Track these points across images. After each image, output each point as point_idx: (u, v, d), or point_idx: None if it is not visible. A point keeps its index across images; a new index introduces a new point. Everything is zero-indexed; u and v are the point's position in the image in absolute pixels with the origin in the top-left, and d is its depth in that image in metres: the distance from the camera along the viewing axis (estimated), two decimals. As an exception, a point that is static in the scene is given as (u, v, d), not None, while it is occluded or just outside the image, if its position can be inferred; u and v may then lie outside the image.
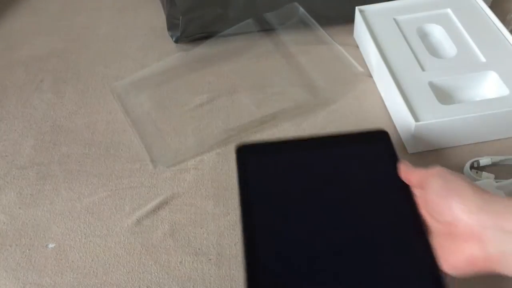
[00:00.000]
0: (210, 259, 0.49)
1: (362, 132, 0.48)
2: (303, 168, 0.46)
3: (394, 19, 0.68)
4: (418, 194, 0.42)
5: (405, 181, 0.44)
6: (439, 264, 0.39)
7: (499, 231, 0.35)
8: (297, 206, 0.44)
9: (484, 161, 0.54)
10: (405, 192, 0.43)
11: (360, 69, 0.66)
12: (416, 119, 0.54)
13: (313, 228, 0.42)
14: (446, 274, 0.39)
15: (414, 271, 0.40)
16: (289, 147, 0.48)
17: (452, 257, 0.38)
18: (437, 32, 0.67)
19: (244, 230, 0.42)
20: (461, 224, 0.37)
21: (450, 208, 0.38)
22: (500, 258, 0.35)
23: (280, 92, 0.65)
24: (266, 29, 0.72)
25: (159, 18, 0.78)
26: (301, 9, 0.70)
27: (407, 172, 0.44)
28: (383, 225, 0.42)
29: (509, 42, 0.62)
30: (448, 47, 0.65)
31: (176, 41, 0.72)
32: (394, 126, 0.59)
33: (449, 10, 0.68)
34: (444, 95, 0.59)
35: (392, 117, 0.60)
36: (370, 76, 0.66)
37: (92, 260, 0.50)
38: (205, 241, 0.50)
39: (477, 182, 0.51)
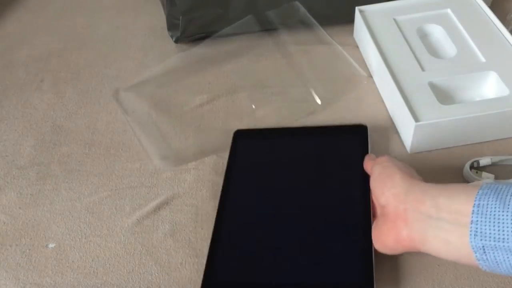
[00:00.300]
0: (211, 260, 0.49)
1: (344, 125, 0.57)
2: (284, 154, 0.55)
3: (394, 19, 0.68)
4: None
5: (366, 171, 0.49)
6: (370, 242, 0.44)
7: (418, 213, 0.39)
8: (269, 185, 0.52)
9: (484, 161, 0.54)
10: (364, 181, 0.48)
11: (360, 69, 0.66)
12: (416, 119, 0.54)
13: (277, 203, 0.50)
14: (376, 251, 0.43)
15: (348, 248, 0.45)
16: (277, 134, 0.57)
17: (384, 237, 0.42)
18: (437, 32, 0.67)
19: (220, 200, 0.51)
20: (390, 207, 0.41)
21: (383, 193, 0.43)
22: (421, 238, 0.38)
23: (280, 92, 0.65)
24: (266, 29, 0.72)
25: (159, 18, 0.78)
26: (302, 8, 0.70)
27: (366, 162, 0.49)
28: (335, 208, 0.48)
29: (509, 42, 0.62)
30: (448, 47, 0.65)
31: (176, 41, 0.72)
32: (394, 126, 0.59)
33: (449, 10, 0.68)
34: (444, 95, 0.59)
35: (392, 117, 0.60)
36: (370, 76, 0.66)
37: (92, 260, 0.50)
38: (205, 242, 0.50)
39: (477, 182, 0.51)
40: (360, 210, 0.47)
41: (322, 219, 0.48)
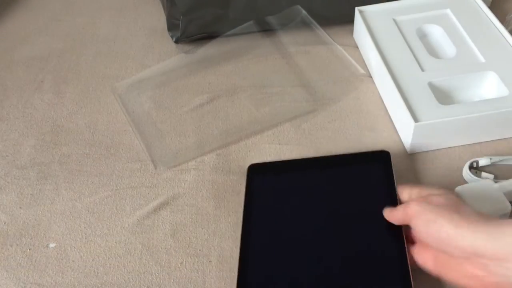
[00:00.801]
0: (211, 261, 0.49)
1: (364, 152, 0.54)
2: (305, 188, 0.51)
3: (394, 20, 0.68)
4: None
5: (392, 222, 0.45)
6: (410, 278, 0.42)
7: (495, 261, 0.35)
8: (295, 223, 0.48)
9: (483, 161, 0.54)
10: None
11: (360, 69, 0.66)
12: (416, 119, 0.54)
13: (306, 243, 0.47)
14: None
15: (387, 284, 0.43)
16: (294, 167, 0.54)
17: (455, 274, 0.39)
18: (436, 33, 0.67)
19: (242, 240, 0.48)
20: (457, 252, 0.38)
21: (445, 250, 0.39)
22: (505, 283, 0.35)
23: (280, 92, 0.65)
24: (267, 29, 0.73)
25: (160, 19, 0.78)
26: (304, 12, 0.70)
27: (390, 215, 0.45)
28: (366, 241, 0.46)
29: (508, 43, 0.62)
30: (447, 47, 0.65)
31: (176, 42, 0.72)
32: (394, 126, 0.59)
33: (448, 11, 0.68)
34: (443, 96, 0.59)
35: (392, 117, 0.60)
36: (370, 76, 0.66)
37: (92, 260, 0.50)
38: (206, 242, 0.50)
39: (476, 183, 0.51)
40: (395, 246, 0.45)
41: (359, 254, 0.45)
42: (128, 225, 0.52)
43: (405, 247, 0.45)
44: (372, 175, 0.51)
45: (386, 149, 0.54)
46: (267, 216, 0.50)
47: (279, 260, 0.46)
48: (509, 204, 0.49)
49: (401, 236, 0.45)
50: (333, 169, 0.53)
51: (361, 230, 0.47)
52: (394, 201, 0.47)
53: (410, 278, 0.43)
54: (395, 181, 0.49)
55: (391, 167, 0.51)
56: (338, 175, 0.52)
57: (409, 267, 0.44)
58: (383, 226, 0.46)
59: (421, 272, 0.45)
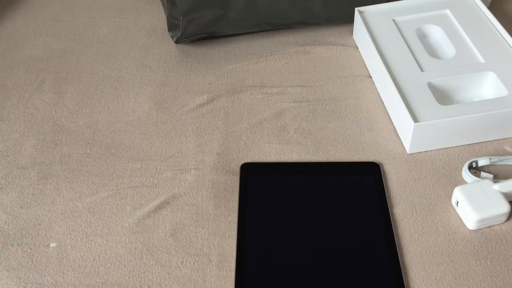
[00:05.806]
0: (211, 260, 0.49)
1: (356, 162, 0.56)
2: (297, 191, 0.53)
3: (393, 20, 0.68)
4: None
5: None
6: (401, 280, 0.45)
7: None
8: (286, 226, 0.50)
9: (482, 161, 0.54)
10: (384, 221, 0.50)
11: (360, 69, 0.66)
12: (415, 119, 0.55)
13: (296, 246, 0.49)
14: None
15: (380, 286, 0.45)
16: (287, 169, 0.56)
17: None
18: (436, 33, 0.67)
19: (238, 241, 0.50)
20: None
21: None
22: None
23: (280, 92, 0.65)
24: (266, 29, 0.73)
25: (160, 19, 0.78)
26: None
27: None
28: (358, 251, 0.48)
29: (507, 43, 0.62)
30: (447, 48, 0.65)
31: (177, 42, 0.72)
32: (393, 126, 0.60)
33: (448, 11, 0.68)
34: (443, 96, 0.60)
35: (391, 117, 0.60)
36: (370, 76, 0.66)
37: (93, 260, 0.50)
38: (206, 242, 0.51)
39: (475, 183, 0.51)
40: (387, 252, 0.47)
41: (347, 262, 0.47)
42: (129, 224, 0.53)
43: (396, 249, 0.47)
44: (362, 184, 0.53)
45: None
46: (260, 215, 0.51)
47: (274, 257, 0.48)
48: (508, 204, 0.49)
49: (393, 239, 0.48)
50: (325, 176, 0.55)
51: (352, 231, 0.49)
52: (385, 208, 0.51)
53: (403, 283, 0.45)
54: (385, 190, 0.52)
55: (382, 179, 0.54)
56: (331, 182, 0.54)
57: (402, 270, 0.46)
58: (374, 228, 0.49)
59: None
